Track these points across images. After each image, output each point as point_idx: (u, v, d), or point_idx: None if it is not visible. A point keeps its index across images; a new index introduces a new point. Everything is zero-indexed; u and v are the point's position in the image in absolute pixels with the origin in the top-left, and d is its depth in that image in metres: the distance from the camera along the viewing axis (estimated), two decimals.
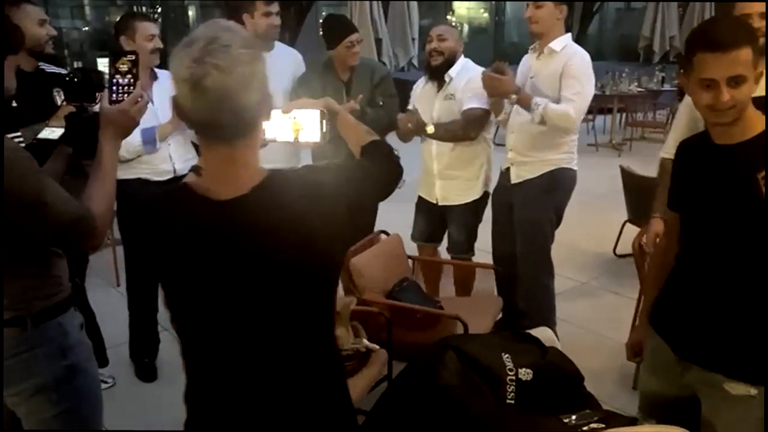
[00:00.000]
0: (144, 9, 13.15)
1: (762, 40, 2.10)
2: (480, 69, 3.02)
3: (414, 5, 9.73)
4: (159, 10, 13.17)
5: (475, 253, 3.42)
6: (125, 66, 1.54)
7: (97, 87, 1.62)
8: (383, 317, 2.60)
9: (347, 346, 2.42)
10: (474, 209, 3.28)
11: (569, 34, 2.97)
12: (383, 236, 3.20)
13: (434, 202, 3.32)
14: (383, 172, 1.35)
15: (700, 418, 1.67)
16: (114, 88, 1.54)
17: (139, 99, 1.55)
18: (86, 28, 11.99)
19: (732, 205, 1.54)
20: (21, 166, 1.34)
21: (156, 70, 3.00)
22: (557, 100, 2.84)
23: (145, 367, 3.20)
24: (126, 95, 1.54)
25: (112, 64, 1.54)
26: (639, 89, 9.06)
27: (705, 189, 1.61)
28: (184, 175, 1.89)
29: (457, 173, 3.23)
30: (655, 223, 2.59)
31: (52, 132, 1.65)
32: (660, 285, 1.80)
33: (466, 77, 3.09)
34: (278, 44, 3.39)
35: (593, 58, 2.97)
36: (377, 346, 2.50)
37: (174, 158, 3.00)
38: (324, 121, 1.47)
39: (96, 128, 1.53)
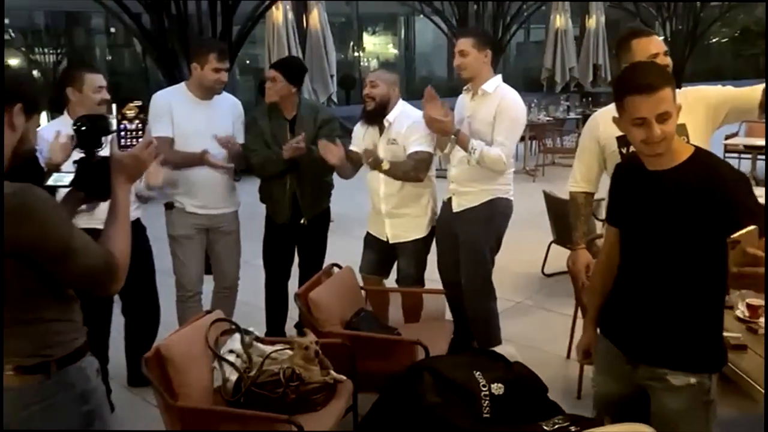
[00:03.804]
0: (45, 50, 12.72)
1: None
2: (418, 112, 3.21)
3: (330, 43, 9.95)
4: (63, 50, 12.77)
5: (425, 283, 3.56)
6: (132, 112, 1.60)
7: (104, 133, 1.67)
8: (346, 348, 2.68)
9: (316, 379, 2.48)
10: (423, 244, 3.43)
11: (499, 76, 3.21)
12: (336, 269, 3.29)
13: (385, 239, 3.45)
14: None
15: (649, 412, 1.87)
16: (122, 133, 1.59)
17: (149, 144, 1.61)
18: None
19: (665, 222, 1.77)
20: (52, 214, 1.40)
21: None
22: (492, 140, 3.09)
23: None
24: (134, 140, 1.60)
25: (119, 111, 1.60)
26: (547, 118, 9.64)
27: (641, 209, 1.83)
28: None
29: (406, 211, 3.37)
30: (582, 254, 2.77)
31: (62, 178, 1.68)
32: (603, 293, 2.01)
33: (407, 123, 3.25)
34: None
35: None
36: (344, 377, 2.57)
37: None
38: None
39: (106, 172, 1.58)
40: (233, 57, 6.28)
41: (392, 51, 17.72)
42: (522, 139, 9.43)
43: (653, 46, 2.51)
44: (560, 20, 12.76)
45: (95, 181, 1.62)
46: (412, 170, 3.23)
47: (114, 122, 1.64)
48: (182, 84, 3.40)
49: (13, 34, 12.29)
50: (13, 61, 12.39)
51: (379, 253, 3.50)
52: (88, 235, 1.49)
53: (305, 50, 9.71)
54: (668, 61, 2.49)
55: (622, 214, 1.93)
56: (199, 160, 3.23)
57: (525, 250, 5.27)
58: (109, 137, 1.65)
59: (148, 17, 7.28)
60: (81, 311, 1.61)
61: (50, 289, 1.48)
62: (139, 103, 1.63)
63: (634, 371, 1.88)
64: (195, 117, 3.29)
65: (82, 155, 1.66)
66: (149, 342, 3.23)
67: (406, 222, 3.38)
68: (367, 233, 3.55)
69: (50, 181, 1.70)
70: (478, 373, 2.05)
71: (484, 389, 2.01)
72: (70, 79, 2.87)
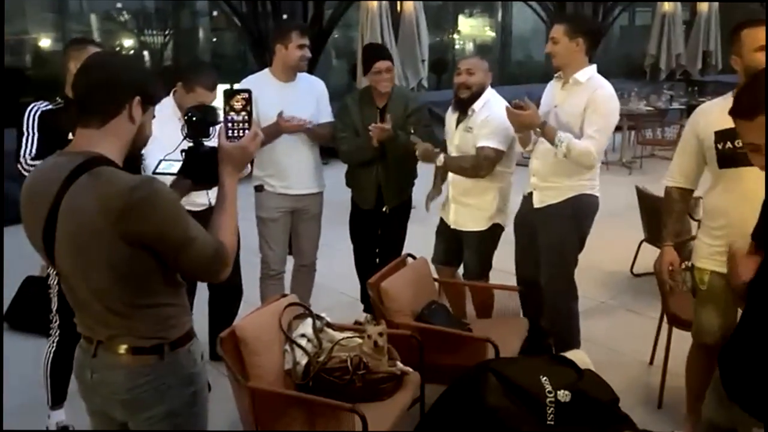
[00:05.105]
0: (154, 32, 13.43)
1: None
2: (503, 103, 3.11)
3: (423, 27, 9.86)
4: (170, 32, 13.44)
5: (489, 278, 3.49)
6: (239, 104, 1.64)
7: (212, 123, 1.74)
8: (415, 340, 2.68)
9: (383, 369, 2.50)
10: (486, 238, 3.36)
11: (594, 66, 3.04)
12: (410, 259, 3.28)
13: (448, 224, 3.44)
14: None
15: None
16: (229, 125, 1.64)
17: (256, 135, 1.67)
18: None
19: None
20: (174, 206, 1.48)
21: None
22: (580, 132, 2.93)
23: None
24: (241, 131, 1.64)
25: (227, 102, 1.64)
26: (648, 108, 9.11)
27: None
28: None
29: (469, 201, 3.33)
30: (667, 253, 2.63)
31: (170, 166, 1.77)
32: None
33: (486, 113, 3.18)
34: (300, 73, 3.51)
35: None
36: (411, 369, 2.57)
37: (210, 192, 3.09)
38: None
39: (213, 161, 1.64)
40: (324, 40, 6.36)
41: (489, 34, 17.35)
42: (619, 129, 9.10)
43: (764, 36, 2.29)
44: (669, 3, 12.00)
45: (203, 169, 1.68)
46: (470, 167, 3.20)
47: (221, 114, 1.68)
48: (266, 70, 3.51)
49: (126, 17, 13.06)
50: (127, 42, 13.17)
51: (448, 242, 3.49)
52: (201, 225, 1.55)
53: (398, 35, 9.67)
54: None
55: (764, 233, 1.72)
56: (276, 126, 3.28)
57: (615, 247, 5.05)
58: (217, 128, 1.70)
59: (243, 2, 7.50)
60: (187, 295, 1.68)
61: (165, 276, 1.55)
62: (245, 95, 1.65)
63: (732, 407, 1.68)
64: (280, 100, 3.36)
65: (191, 144, 1.72)
66: (231, 318, 3.37)
67: (467, 212, 3.35)
68: (440, 219, 3.55)
69: (159, 169, 1.78)
70: (544, 378, 1.99)
71: (549, 395, 1.95)
72: (186, 81, 2.99)
